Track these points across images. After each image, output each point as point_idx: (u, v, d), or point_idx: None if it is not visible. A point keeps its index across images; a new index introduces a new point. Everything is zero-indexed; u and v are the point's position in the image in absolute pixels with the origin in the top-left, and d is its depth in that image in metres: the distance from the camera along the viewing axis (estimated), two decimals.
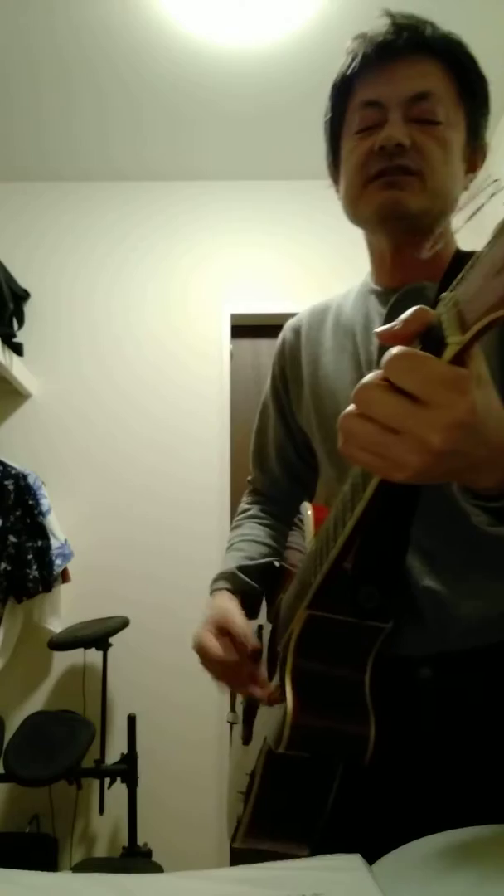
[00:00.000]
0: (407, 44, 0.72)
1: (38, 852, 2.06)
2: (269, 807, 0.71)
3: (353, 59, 0.74)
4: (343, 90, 0.77)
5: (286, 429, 0.97)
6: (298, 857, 0.65)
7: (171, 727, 2.24)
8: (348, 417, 0.40)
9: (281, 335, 0.97)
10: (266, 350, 2.64)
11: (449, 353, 0.37)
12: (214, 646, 0.76)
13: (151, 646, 2.29)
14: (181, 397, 2.50)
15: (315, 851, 0.71)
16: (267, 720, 0.73)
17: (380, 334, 0.40)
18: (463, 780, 0.67)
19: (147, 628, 2.28)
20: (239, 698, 0.96)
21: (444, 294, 0.38)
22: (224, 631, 0.77)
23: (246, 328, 2.61)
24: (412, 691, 0.69)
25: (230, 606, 0.81)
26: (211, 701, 2.26)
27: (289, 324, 0.96)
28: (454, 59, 0.74)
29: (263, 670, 0.76)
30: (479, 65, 0.75)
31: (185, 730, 2.24)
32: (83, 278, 2.61)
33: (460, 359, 0.37)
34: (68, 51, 2.02)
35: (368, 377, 0.40)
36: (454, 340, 0.36)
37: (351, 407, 0.40)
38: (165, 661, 2.28)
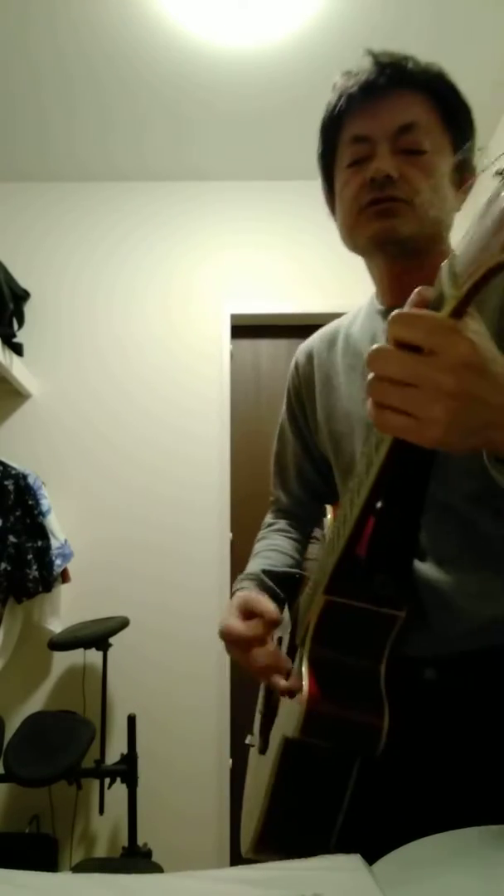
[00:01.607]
0: (390, 80, 0.76)
1: (38, 852, 2.06)
2: (282, 809, 0.69)
3: (339, 98, 0.79)
4: (332, 127, 0.82)
5: (305, 450, 1.00)
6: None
7: (171, 727, 2.24)
8: (370, 384, 0.44)
9: (294, 359, 1.01)
10: (266, 350, 2.64)
11: (448, 306, 0.41)
12: (239, 625, 0.76)
13: (151, 646, 2.29)
14: (181, 397, 2.50)
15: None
16: (283, 723, 0.73)
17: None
18: (463, 783, 0.67)
19: (147, 628, 2.28)
20: (256, 722, 0.95)
21: (443, 263, 0.43)
22: (249, 612, 0.77)
23: (246, 328, 2.61)
24: (416, 692, 0.70)
25: (254, 594, 0.82)
26: (210, 701, 2.26)
27: (301, 348, 1.00)
28: (436, 90, 0.78)
29: (286, 658, 0.77)
30: (461, 93, 0.80)
31: (185, 730, 2.24)
32: (83, 278, 2.61)
33: (459, 314, 0.41)
34: (69, 51, 2.02)
35: (379, 344, 0.44)
36: (451, 294, 0.41)
37: (370, 375, 0.44)
38: (165, 662, 2.28)
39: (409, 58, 0.78)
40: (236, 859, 2.35)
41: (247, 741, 0.95)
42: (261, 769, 0.79)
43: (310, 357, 0.97)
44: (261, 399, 2.57)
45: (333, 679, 0.63)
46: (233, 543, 2.39)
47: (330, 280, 2.54)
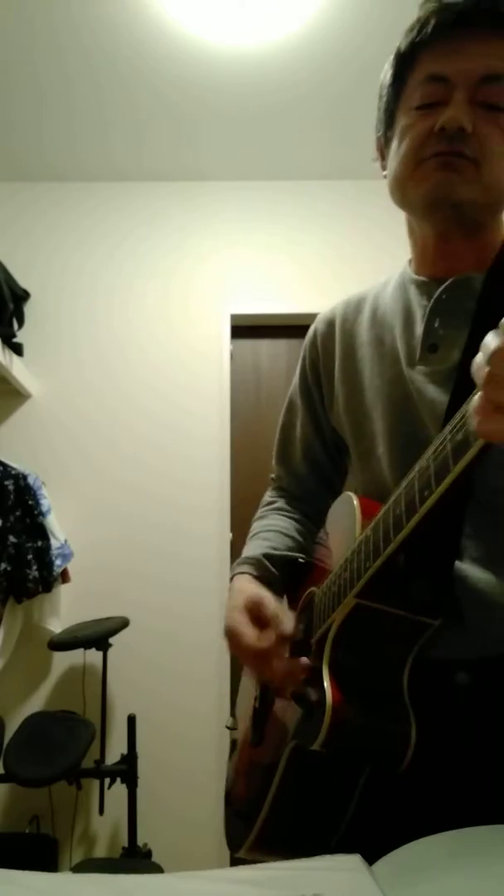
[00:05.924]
0: (485, 15, 0.64)
1: (38, 852, 2.06)
2: (284, 815, 0.67)
3: (422, 26, 0.67)
4: (407, 59, 0.70)
5: (315, 426, 0.92)
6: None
7: (171, 727, 2.24)
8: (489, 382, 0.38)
9: (313, 327, 0.92)
10: (266, 350, 2.64)
11: None
12: (249, 633, 0.71)
13: (151, 646, 2.29)
14: (181, 397, 2.50)
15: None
16: (284, 721, 0.70)
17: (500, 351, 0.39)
18: (491, 791, 0.63)
19: (147, 629, 2.28)
20: (239, 703, 0.93)
21: None
22: (256, 615, 0.72)
23: (246, 328, 2.61)
24: (447, 697, 0.65)
25: (259, 591, 0.76)
26: (210, 701, 2.26)
27: (321, 315, 0.92)
28: None
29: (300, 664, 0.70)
30: None
31: (184, 730, 2.24)
32: (83, 278, 2.60)
33: None
34: (69, 51, 2.02)
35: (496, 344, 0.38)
36: None
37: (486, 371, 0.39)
38: (165, 662, 2.28)
39: None
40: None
41: (227, 724, 0.92)
42: (256, 764, 0.76)
43: (331, 324, 0.88)
44: (261, 399, 2.57)
45: (356, 687, 0.58)
46: (233, 543, 2.39)
47: (330, 280, 2.54)
